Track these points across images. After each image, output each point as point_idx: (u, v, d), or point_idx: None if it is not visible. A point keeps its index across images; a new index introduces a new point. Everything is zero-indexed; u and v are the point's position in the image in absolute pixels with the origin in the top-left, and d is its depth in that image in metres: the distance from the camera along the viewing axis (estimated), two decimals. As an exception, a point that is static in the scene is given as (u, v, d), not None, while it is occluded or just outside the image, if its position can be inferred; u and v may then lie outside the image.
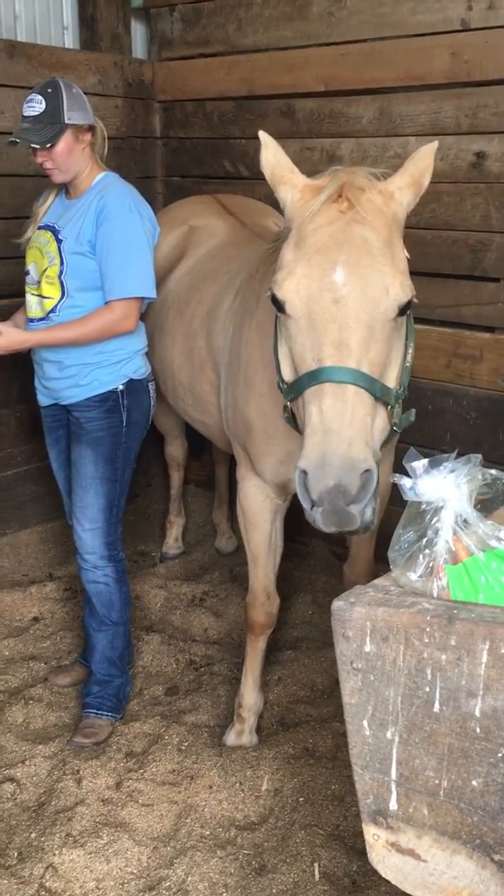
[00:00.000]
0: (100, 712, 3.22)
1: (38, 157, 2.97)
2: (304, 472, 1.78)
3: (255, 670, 3.21)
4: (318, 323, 1.87)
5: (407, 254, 2.07)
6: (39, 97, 2.92)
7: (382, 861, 1.36)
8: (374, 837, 1.36)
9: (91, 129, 3.03)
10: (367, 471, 1.78)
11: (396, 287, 1.92)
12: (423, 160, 2.13)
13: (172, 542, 4.63)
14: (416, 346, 3.84)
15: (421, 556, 1.36)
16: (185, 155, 4.73)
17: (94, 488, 3.11)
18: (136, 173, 4.71)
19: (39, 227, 3.11)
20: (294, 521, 4.52)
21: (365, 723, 1.33)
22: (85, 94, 3.45)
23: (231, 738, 3.15)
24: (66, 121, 2.91)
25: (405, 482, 1.40)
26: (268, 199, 4.15)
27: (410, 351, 2.05)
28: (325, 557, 4.48)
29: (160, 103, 4.76)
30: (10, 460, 4.40)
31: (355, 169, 2.17)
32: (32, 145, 2.91)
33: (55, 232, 3.04)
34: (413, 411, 2.05)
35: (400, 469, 1.46)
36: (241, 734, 3.16)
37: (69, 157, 2.97)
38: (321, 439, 1.76)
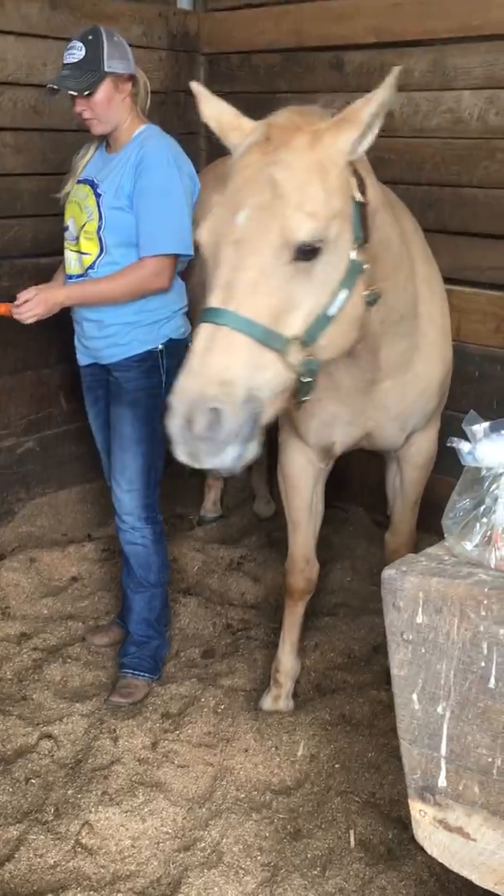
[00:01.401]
0: (136, 673, 3.23)
1: (77, 106, 2.91)
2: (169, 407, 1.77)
3: (293, 635, 3.18)
4: (217, 264, 1.82)
5: (360, 197, 1.94)
6: (80, 44, 2.86)
7: (428, 838, 1.32)
8: (421, 813, 1.32)
9: (132, 79, 2.96)
10: (215, 409, 1.69)
11: (295, 230, 1.79)
12: (362, 100, 1.96)
13: (211, 505, 4.60)
14: (463, 309, 3.78)
15: (477, 525, 1.30)
16: (230, 110, 4.61)
17: (132, 449, 3.08)
18: (179, 129, 4.60)
19: (78, 182, 3.06)
20: (334, 485, 4.48)
21: (414, 696, 1.28)
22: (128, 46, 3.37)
23: (267, 703, 3.14)
24: (106, 69, 2.85)
25: (463, 446, 1.33)
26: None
27: (343, 298, 1.90)
28: (364, 524, 4.43)
29: (205, 56, 4.63)
30: (50, 420, 4.39)
31: (305, 108, 2.07)
32: (70, 93, 2.85)
33: (94, 186, 2.98)
34: (314, 360, 1.88)
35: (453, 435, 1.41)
36: (277, 699, 3.14)
37: (108, 106, 2.90)
38: (183, 377, 1.74)
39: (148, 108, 3.08)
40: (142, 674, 3.23)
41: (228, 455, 1.74)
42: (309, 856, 2.51)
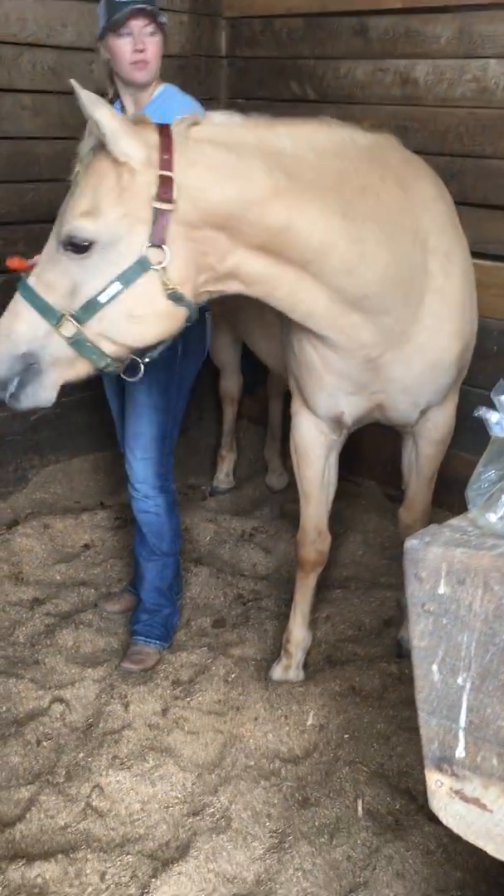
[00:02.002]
0: (148, 640, 3.25)
1: (138, 43, 2.74)
2: None
3: (304, 607, 3.19)
4: None
5: (159, 205, 2.11)
6: None
7: (444, 808, 1.32)
8: (437, 784, 1.32)
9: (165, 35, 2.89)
10: None
11: (65, 226, 2.14)
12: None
13: (223, 476, 4.60)
14: (483, 283, 3.72)
15: (503, 497, 1.28)
16: (251, 75, 4.54)
17: (146, 417, 3.06)
18: (199, 94, 4.48)
19: None
20: (347, 459, 4.46)
21: (434, 667, 1.28)
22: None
23: (277, 673, 3.15)
24: (161, 19, 2.81)
25: (491, 416, 1.31)
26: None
27: (116, 290, 2.14)
28: (377, 498, 4.42)
29: (227, 20, 4.56)
30: (64, 388, 4.37)
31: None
32: (141, 21, 2.70)
33: None
34: (83, 337, 2.20)
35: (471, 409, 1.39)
36: (287, 669, 3.15)
37: (159, 52, 2.84)
38: None
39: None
40: (153, 641, 3.25)
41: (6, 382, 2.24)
42: (317, 824, 2.53)
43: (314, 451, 2.91)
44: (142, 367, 2.35)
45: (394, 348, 2.55)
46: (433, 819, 2.15)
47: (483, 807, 1.26)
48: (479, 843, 1.29)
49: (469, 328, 2.76)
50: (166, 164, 2.08)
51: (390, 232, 2.37)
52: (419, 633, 1.29)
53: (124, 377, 2.40)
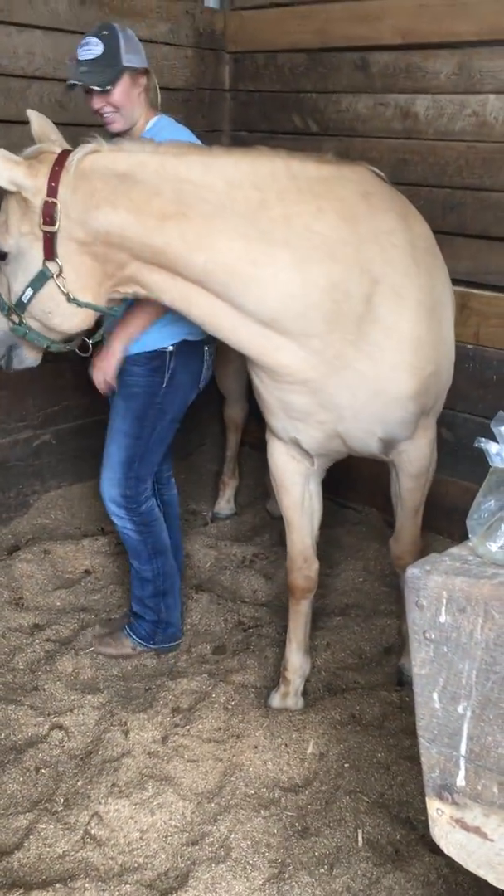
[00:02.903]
0: (130, 633, 3.41)
1: (96, 102, 2.91)
2: None
3: (298, 633, 3.19)
4: None
5: (44, 227, 2.46)
6: (96, 39, 2.86)
7: (445, 837, 1.32)
8: (438, 812, 1.32)
9: (146, 73, 2.97)
10: None
11: None
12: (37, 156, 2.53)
13: (224, 502, 4.61)
14: (482, 313, 3.78)
15: (502, 527, 1.30)
16: (254, 108, 4.62)
17: (116, 441, 3.14)
18: (203, 126, 4.62)
19: None
20: (347, 486, 4.49)
21: (435, 695, 1.28)
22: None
23: (276, 700, 3.15)
24: (125, 63, 2.86)
25: (491, 447, 1.33)
26: (348, 156, 4.05)
27: (30, 294, 2.55)
28: (377, 525, 4.43)
29: (231, 54, 4.64)
30: (66, 413, 4.41)
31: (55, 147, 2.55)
32: (93, 87, 2.84)
33: None
34: (25, 326, 2.64)
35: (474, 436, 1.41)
36: (286, 696, 3.15)
37: (128, 101, 2.91)
38: None
39: (159, 101, 3.09)
40: (133, 637, 3.40)
41: None
42: (317, 854, 2.52)
43: (290, 477, 2.95)
44: (90, 346, 2.77)
45: (333, 374, 2.57)
46: (434, 849, 2.14)
47: (484, 836, 1.26)
48: (480, 873, 1.29)
49: (428, 364, 2.65)
50: (52, 191, 2.42)
51: (315, 261, 2.42)
52: (420, 660, 1.30)
53: (79, 352, 2.79)
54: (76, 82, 2.86)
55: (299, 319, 2.47)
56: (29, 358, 2.83)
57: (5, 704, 3.08)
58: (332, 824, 2.61)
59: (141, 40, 4.21)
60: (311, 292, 2.44)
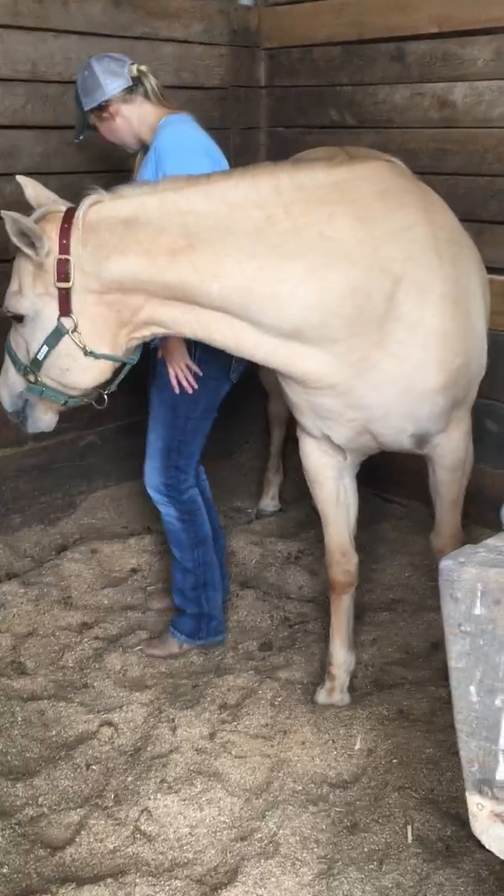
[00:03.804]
0: (174, 632, 3.43)
1: (103, 141, 3.22)
2: None
3: (341, 628, 3.18)
4: None
5: (59, 285, 2.50)
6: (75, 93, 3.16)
7: (486, 831, 1.31)
8: (478, 807, 1.31)
9: (116, 96, 3.05)
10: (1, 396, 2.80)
11: (4, 303, 2.63)
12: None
13: (269, 499, 4.62)
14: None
15: (538, 517, 1.28)
16: (290, 104, 4.61)
17: (154, 430, 3.25)
18: (240, 124, 4.63)
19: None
20: (392, 482, 4.45)
21: (472, 688, 1.27)
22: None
23: (322, 697, 3.14)
24: (85, 108, 3.10)
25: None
26: (377, 148, 4.01)
27: (46, 351, 2.56)
28: (423, 519, 4.37)
29: (266, 51, 4.64)
30: (111, 414, 4.42)
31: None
32: (75, 142, 3.30)
33: None
34: (39, 386, 2.67)
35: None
36: (332, 692, 3.14)
37: (110, 133, 3.15)
38: None
39: (161, 95, 3.13)
40: (179, 634, 3.43)
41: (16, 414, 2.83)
42: (366, 850, 2.50)
43: (323, 472, 2.96)
44: (105, 398, 2.78)
45: (359, 376, 2.56)
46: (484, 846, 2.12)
47: (525, 830, 1.24)
48: (523, 868, 1.27)
49: (456, 357, 2.63)
50: (64, 248, 2.45)
51: (331, 267, 2.41)
52: (456, 654, 1.28)
53: (95, 405, 2.80)
54: (76, 139, 3.24)
55: (320, 328, 2.47)
56: (43, 420, 2.81)
57: (56, 702, 3.14)
58: (381, 820, 2.60)
59: (175, 41, 4.27)
60: (329, 300, 2.43)
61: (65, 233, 2.45)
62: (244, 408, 4.66)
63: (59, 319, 2.51)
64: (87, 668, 3.34)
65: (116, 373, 2.67)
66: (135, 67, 3.10)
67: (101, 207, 2.46)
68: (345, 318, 2.46)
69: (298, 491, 4.77)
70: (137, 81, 3.08)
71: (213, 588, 3.44)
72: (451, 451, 2.84)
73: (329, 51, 4.34)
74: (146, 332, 2.59)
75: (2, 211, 2.45)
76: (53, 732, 3.03)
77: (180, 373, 3.08)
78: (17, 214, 2.41)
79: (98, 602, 3.80)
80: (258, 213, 2.38)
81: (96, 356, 2.55)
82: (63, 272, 2.46)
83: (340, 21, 4.21)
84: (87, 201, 2.46)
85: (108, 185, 3.76)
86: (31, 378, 2.64)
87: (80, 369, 2.58)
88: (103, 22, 3.95)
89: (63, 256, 2.45)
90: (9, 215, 2.41)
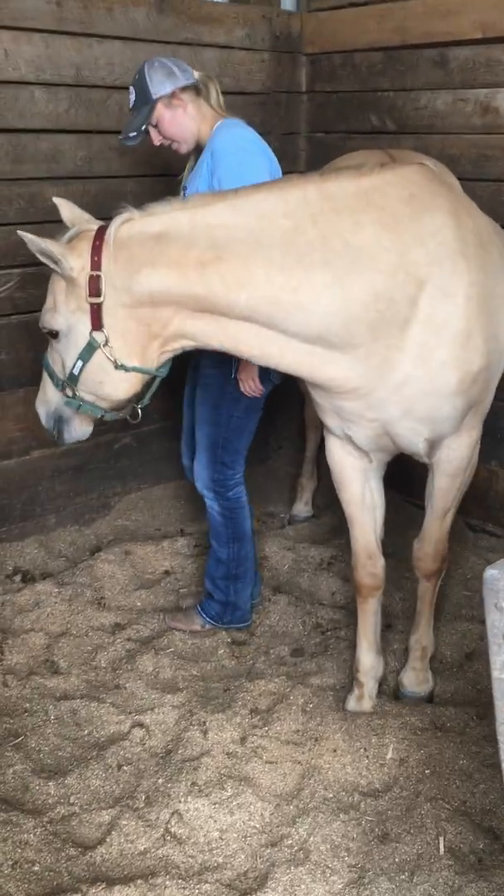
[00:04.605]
0: (200, 611, 3.59)
1: (154, 139, 3.11)
2: None
3: (367, 633, 3.17)
4: None
5: (91, 300, 2.56)
6: (132, 88, 3.07)
7: (528, 845, 1.29)
8: (520, 820, 1.29)
9: (188, 89, 3.05)
10: (38, 413, 2.91)
11: (40, 320, 2.73)
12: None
13: (302, 504, 4.61)
14: None
15: None
16: (331, 109, 4.61)
17: (201, 428, 3.36)
18: (280, 129, 4.64)
19: (182, 188, 3.20)
20: (424, 489, 4.41)
21: (516, 700, 1.25)
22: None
23: (351, 704, 3.13)
24: (154, 96, 3.01)
25: None
26: (427, 153, 3.99)
27: (80, 366, 2.64)
28: (457, 528, 4.33)
29: (307, 56, 4.64)
30: (146, 416, 4.37)
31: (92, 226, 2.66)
32: (130, 135, 3.07)
33: (185, 191, 3.11)
34: (77, 400, 2.75)
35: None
36: (360, 699, 3.13)
37: (175, 125, 3.07)
38: None
39: (223, 102, 3.17)
40: (204, 614, 3.57)
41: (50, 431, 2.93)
42: (397, 860, 2.48)
43: (348, 473, 2.99)
44: (139, 412, 2.85)
45: (381, 378, 2.59)
46: (518, 859, 2.09)
47: None
48: None
49: (478, 358, 2.64)
50: (95, 265, 2.52)
51: (356, 274, 2.45)
52: (500, 664, 1.27)
53: (130, 419, 2.86)
54: (121, 137, 3.09)
55: (343, 333, 2.51)
56: (80, 430, 2.91)
57: (88, 702, 3.15)
58: (412, 831, 2.58)
59: (217, 46, 4.28)
60: (352, 307, 2.48)
61: (96, 250, 2.52)
62: (279, 414, 4.65)
63: (91, 334, 2.59)
64: (119, 669, 3.36)
65: (148, 386, 2.74)
66: (201, 73, 3.15)
67: (132, 225, 2.52)
68: (368, 322, 2.50)
69: (331, 497, 4.73)
70: (204, 86, 3.12)
71: (243, 582, 3.54)
72: (455, 457, 2.86)
73: (371, 56, 4.33)
74: (176, 346, 2.65)
75: (19, 231, 2.56)
76: (86, 732, 3.04)
77: (248, 387, 3.20)
78: (31, 236, 2.52)
79: (131, 603, 3.82)
80: (287, 224, 2.43)
81: (127, 369, 2.62)
82: (94, 288, 2.53)
83: (383, 27, 4.20)
84: (118, 219, 2.53)
85: (150, 189, 3.82)
86: (69, 392, 2.73)
87: (113, 382, 2.65)
88: (147, 28, 3.98)
89: (94, 273, 2.52)
90: (25, 236, 2.52)
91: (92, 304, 2.55)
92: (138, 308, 2.55)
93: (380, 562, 3.10)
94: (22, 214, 3.78)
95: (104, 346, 2.58)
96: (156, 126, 3.07)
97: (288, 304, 2.46)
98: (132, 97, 3.07)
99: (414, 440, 2.77)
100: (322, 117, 4.67)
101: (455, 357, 2.60)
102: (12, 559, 4.04)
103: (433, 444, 2.80)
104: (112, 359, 2.59)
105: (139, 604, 3.82)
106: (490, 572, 1.30)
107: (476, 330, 2.61)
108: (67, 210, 2.78)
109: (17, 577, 3.95)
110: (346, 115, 4.54)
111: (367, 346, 2.54)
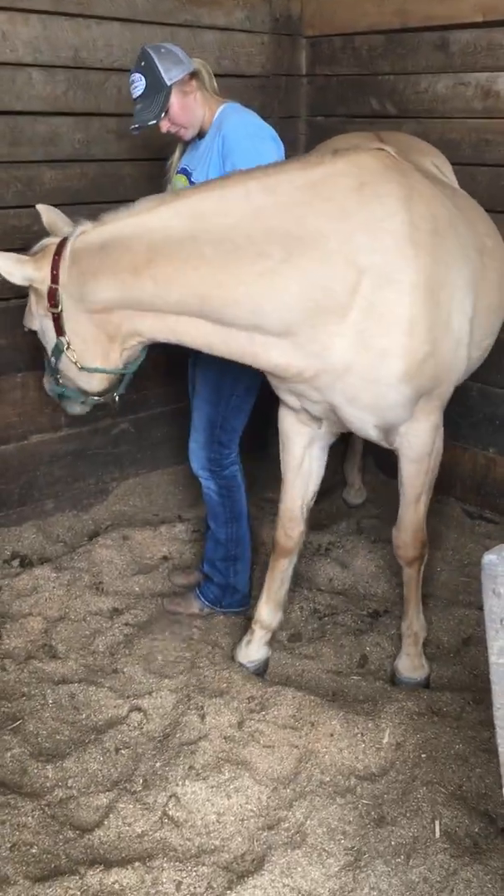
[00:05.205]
0: (199, 595, 3.62)
1: (162, 127, 3.08)
2: None
3: (272, 588, 3.31)
4: None
5: (51, 311, 2.74)
6: (138, 75, 3.01)
7: (524, 828, 1.29)
8: (516, 803, 1.30)
9: (193, 75, 3.04)
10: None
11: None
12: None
13: (300, 490, 4.60)
14: None
15: None
16: (331, 93, 4.58)
17: (199, 407, 3.38)
18: (280, 113, 4.61)
19: (177, 173, 3.18)
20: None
21: (513, 685, 1.26)
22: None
23: (241, 650, 3.31)
24: (168, 83, 2.97)
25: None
26: (424, 140, 3.97)
27: (55, 362, 2.83)
28: (455, 514, 4.36)
29: (307, 39, 4.61)
30: (144, 402, 4.47)
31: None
32: (149, 123, 3.02)
33: (188, 175, 3.10)
34: (63, 386, 2.93)
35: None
36: (249, 644, 3.30)
37: (186, 112, 3.05)
38: None
39: (216, 87, 3.18)
40: (201, 598, 3.61)
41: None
42: (393, 843, 2.50)
43: (292, 437, 3.10)
44: (116, 399, 2.96)
45: (323, 365, 2.63)
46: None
47: None
48: None
49: (423, 345, 2.63)
50: (54, 278, 2.68)
51: (291, 265, 2.49)
52: (497, 649, 1.27)
53: (112, 405, 3.00)
54: (136, 126, 3.04)
55: (277, 322, 2.56)
56: (76, 409, 3.08)
57: (86, 686, 3.16)
58: (408, 814, 2.59)
59: (217, 28, 4.25)
60: (285, 297, 2.52)
61: (55, 264, 2.67)
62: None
63: (57, 338, 2.78)
64: (117, 654, 3.36)
65: (120, 380, 2.87)
66: (196, 59, 3.13)
67: (84, 237, 2.65)
68: (303, 311, 2.55)
69: (330, 483, 4.76)
70: (198, 73, 3.10)
71: (242, 563, 3.58)
72: (416, 444, 2.87)
73: (371, 39, 4.29)
74: (133, 342, 2.76)
75: None
76: (83, 716, 3.06)
77: None
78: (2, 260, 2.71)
79: (129, 588, 3.82)
80: (225, 221, 2.50)
81: (88, 370, 2.79)
82: (52, 299, 2.70)
83: (383, 9, 4.17)
84: (74, 233, 2.66)
85: (147, 173, 3.79)
86: (56, 379, 2.91)
87: (83, 379, 2.84)
88: (146, 9, 3.94)
89: (53, 286, 2.68)
90: None
91: (52, 313, 2.73)
92: (94, 315, 2.69)
93: (298, 528, 3.22)
94: (19, 198, 3.76)
95: (67, 349, 2.76)
96: (166, 116, 3.05)
97: (216, 299, 2.54)
98: (140, 84, 3.00)
99: (362, 426, 2.81)
100: (322, 101, 4.64)
101: (399, 345, 2.60)
102: (10, 544, 4.04)
103: (388, 431, 2.83)
104: (73, 360, 2.77)
105: (137, 589, 3.83)
106: (488, 557, 1.30)
107: (422, 318, 2.61)
108: (46, 216, 2.92)
109: (16, 562, 3.95)
110: (346, 98, 4.51)
111: (306, 333, 2.58)
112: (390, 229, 2.56)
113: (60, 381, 2.90)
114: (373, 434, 2.85)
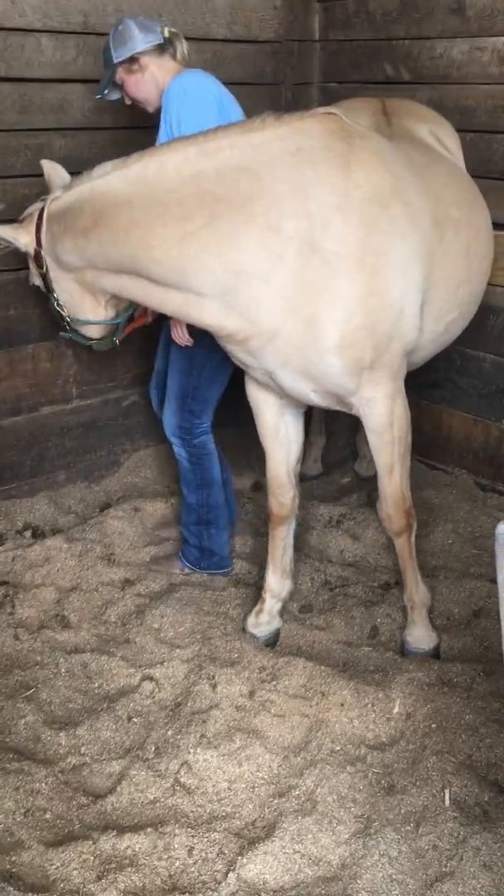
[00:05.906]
0: (181, 556, 3.73)
1: (126, 100, 3.29)
2: None
3: (275, 557, 3.35)
4: None
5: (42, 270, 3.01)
6: (105, 48, 3.20)
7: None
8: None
9: (147, 52, 3.13)
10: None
11: None
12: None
13: (312, 462, 4.60)
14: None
15: None
16: (344, 58, 4.50)
17: (173, 375, 3.47)
18: (293, 79, 4.54)
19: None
20: (437, 448, 4.41)
21: (526, 655, 1.25)
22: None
23: (251, 619, 3.33)
24: (115, 61, 3.15)
25: None
26: (433, 104, 3.90)
27: (56, 310, 3.08)
28: (467, 486, 4.34)
29: (320, 3, 4.51)
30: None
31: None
32: (97, 97, 3.33)
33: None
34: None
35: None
36: (259, 613, 3.33)
37: (137, 89, 3.21)
38: None
39: (188, 55, 3.27)
40: (182, 559, 3.72)
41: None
42: (402, 811, 2.52)
43: (260, 406, 3.14)
44: (116, 342, 3.20)
45: (252, 328, 2.69)
46: (523, 812, 2.12)
47: None
48: None
49: (353, 316, 2.62)
50: (39, 241, 2.93)
51: (211, 227, 2.58)
52: (511, 620, 1.27)
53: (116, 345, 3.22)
54: (98, 96, 3.31)
55: (203, 284, 2.66)
56: (102, 346, 3.28)
57: (99, 655, 3.19)
58: (418, 783, 2.61)
59: (229, -8, 4.16)
60: (204, 260, 2.61)
61: (38, 228, 2.90)
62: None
63: (49, 295, 3.04)
64: (129, 624, 3.39)
65: (116, 327, 3.12)
66: (167, 29, 3.21)
67: (56, 202, 2.86)
68: (223, 273, 2.62)
69: (341, 455, 4.76)
70: (169, 42, 3.19)
71: (215, 527, 3.64)
72: (373, 414, 2.87)
73: (385, 3, 4.20)
74: (111, 297, 2.98)
75: None
76: (96, 685, 3.08)
77: (175, 334, 3.28)
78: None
79: (140, 559, 3.84)
80: (163, 186, 2.61)
81: (80, 322, 3.06)
82: (38, 260, 2.96)
83: (398, -28, 4.08)
84: (49, 198, 2.88)
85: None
86: (64, 327, 3.13)
87: (79, 328, 3.10)
88: (156, -27, 3.87)
89: (36, 248, 2.94)
90: None
91: (41, 273, 2.99)
92: (72, 273, 2.92)
93: (289, 493, 3.26)
94: (29, 166, 3.72)
95: (57, 304, 3.03)
96: (122, 87, 3.22)
97: (144, 261, 2.68)
98: (102, 57, 3.22)
99: (302, 392, 2.86)
100: (335, 66, 4.56)
101: (326, 314, 2.61)
102: (22, 515, 4.06)
103: (337, 400, 2.86)
104: (64, 314, 3.04)
105: (148, 560, 3.84)
106: (502, 528, 1.29)
107: (348, 286, 2.59)
108: (47, 172, 3.11)
109: (28, 533, 3.97)
110: (359, 64, 4.42)
111: (231, 296, 2.64)
112: (317, 196, 2.55)
113: (67, 328, 3.14)
114: (315, 399, 2.90)
